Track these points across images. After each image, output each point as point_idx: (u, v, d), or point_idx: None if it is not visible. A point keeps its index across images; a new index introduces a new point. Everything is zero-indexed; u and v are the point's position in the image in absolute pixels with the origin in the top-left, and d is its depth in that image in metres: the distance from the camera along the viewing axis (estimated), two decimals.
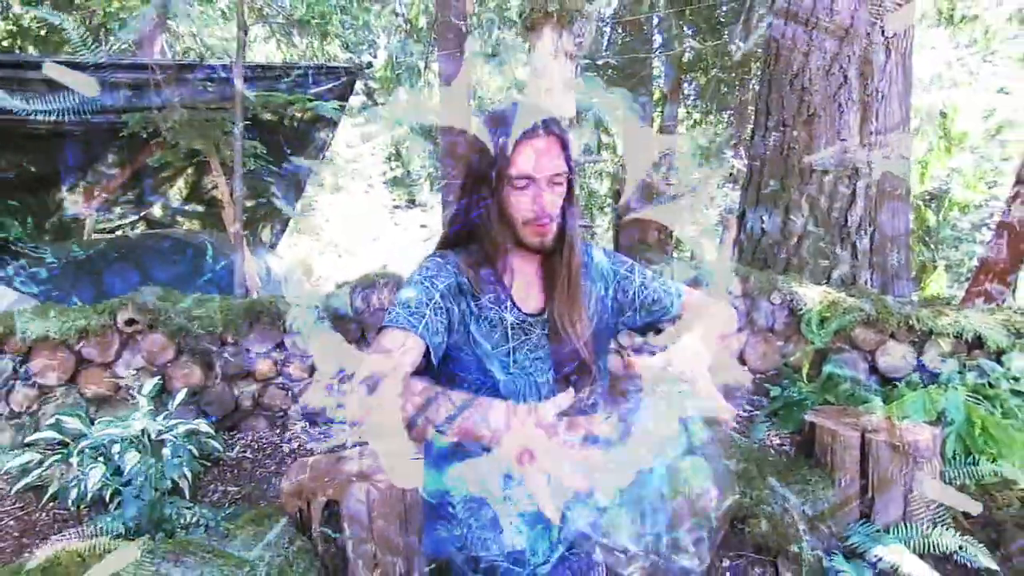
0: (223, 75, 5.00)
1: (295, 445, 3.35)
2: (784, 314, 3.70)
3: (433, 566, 1.39)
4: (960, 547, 2.52)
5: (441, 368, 1.14)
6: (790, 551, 2.64)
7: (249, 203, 7.76)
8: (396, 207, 17.73)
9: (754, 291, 3.68)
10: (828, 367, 3.60)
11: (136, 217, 8.45)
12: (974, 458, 2.87)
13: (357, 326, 3.58)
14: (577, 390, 1.16)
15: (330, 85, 6.30)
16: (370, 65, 7.43)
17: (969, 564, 2.60)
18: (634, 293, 1.26)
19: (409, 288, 1.08)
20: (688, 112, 12.50)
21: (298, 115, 6.28)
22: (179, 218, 8.92)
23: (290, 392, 3.54)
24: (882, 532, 2.63)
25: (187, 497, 2.70)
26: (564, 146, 1.09)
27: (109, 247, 6.10)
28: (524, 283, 1.18)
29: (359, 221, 15.79)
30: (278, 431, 3.48)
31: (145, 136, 5.18)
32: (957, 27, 11.85)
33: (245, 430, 3.48)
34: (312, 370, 3.55)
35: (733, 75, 8.98)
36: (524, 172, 1.05)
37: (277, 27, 9.76)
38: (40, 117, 3.93)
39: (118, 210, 8.08)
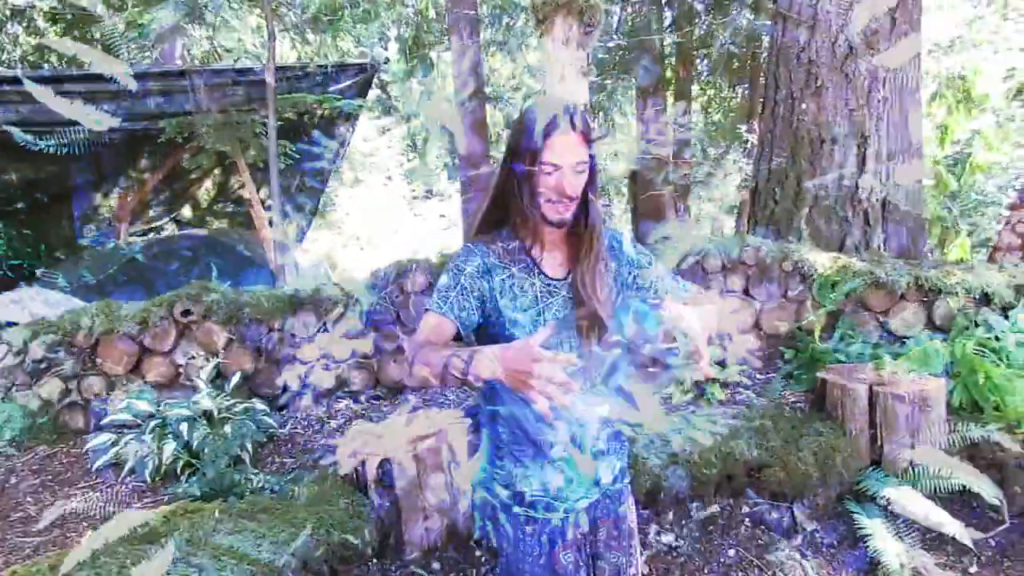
0: (251, 78, 5.25)
1: (341, 420, 3.61)
2: (796, 280, 3.87)
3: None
4: (964, 487, 2.69)
5: (484, 334, 1.39)
6: (805, 497, 2.84)
7: (271, 201, 8.07)
8: (415, 198, 18.00)
9: (767, 259, 3.85)
10: (840, 328, 3.77)
11: (167, 219, 8.81)
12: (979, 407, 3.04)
13: (391, 309, 3.82)
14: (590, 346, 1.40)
15: (350, 82, 6.53)
16: (387, 60, 7.62)
17: (975, 504, 2.79)
18: (650, 281, 1.49)
19: (443, 276, 1.35)
20: (702, 88, 12.53)
21: (319, 112, 6.52)
22: (208, 218, 9.26)
23: (334, 372, 3.80)
24: (891, 476, 2.82)
25: (249, 465, 2.98)
26: (587, 138, 1.30)
27: (144, 251, 6.42)
28: (551, 254, 1.42)
29: (379, 213, 16.09)
30: (324, 408, 3.75)
31: (181, 140, 5.47)
32: None
33: (294, 409, 3.76)
34: (353, 352, 3.81)
35: (744, 49, 9.02)
36: (552, 160, 1.26)
37: (291, 25, 9.98)
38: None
39: (151, 213, 8.43)
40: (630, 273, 1.49)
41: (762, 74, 9.78)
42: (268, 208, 7.58)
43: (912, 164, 5.24)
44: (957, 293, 3.66)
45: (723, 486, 2.89)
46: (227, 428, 3.06)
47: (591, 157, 1.32)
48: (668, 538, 2.76)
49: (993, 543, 2.68)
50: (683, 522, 2.84)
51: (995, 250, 7.65)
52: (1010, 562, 2.62)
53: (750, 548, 2.72)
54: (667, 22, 10.11)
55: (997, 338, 3.43)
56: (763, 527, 2.81)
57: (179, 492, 2.71)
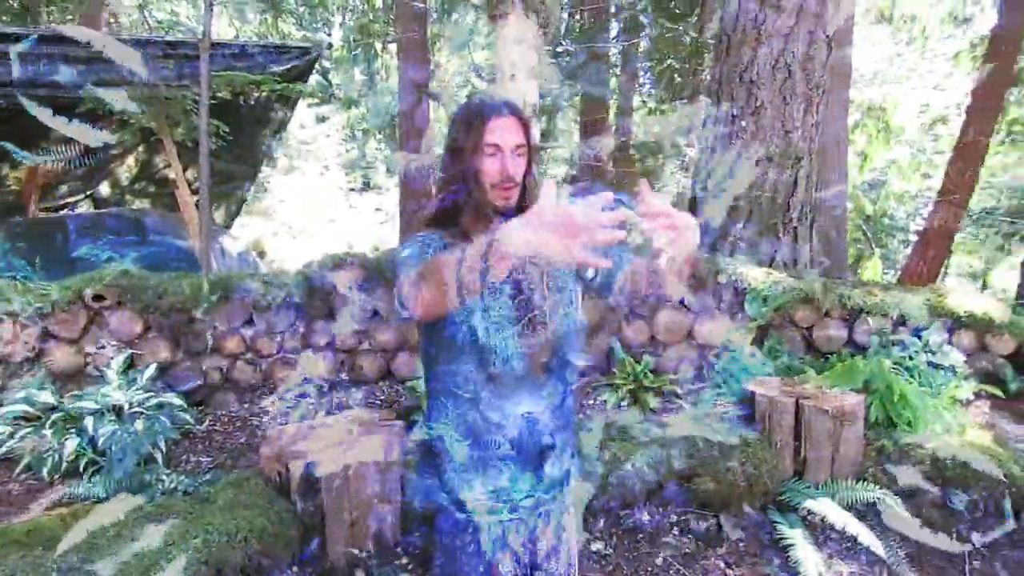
0: (184, 52, 4.95)
1: (265, 419, 3.44)
2: (729, 293, 3.96)
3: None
4: (878, 499, 2.81)
5: (427, 326, 1.36)
6: (731, 507, 2.90)
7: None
8: (351, 189, 17.59)
9: (702, 271, 3.93)
10: (768, 342, 3.89)
11: (83, 196, 8.25)
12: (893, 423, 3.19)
13: (325, 303, 3.68)
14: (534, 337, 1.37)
15: (290, 65, 6.27)
16: (331, 45, 7.38)
17: (887, 514, 2.91)
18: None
19: (407, 248, 1.31)
20: (643, 101, 12.80)
21: (256, 94, 6.23)
22: (128, 197, 8.74)
23: (259, 367, 3.62)
24: (812, 488, 2.91)
25: (161, 465, 2.79)
26: (523, 124, 1.36)
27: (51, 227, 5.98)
28: None
29: (313, 203, 15.64)
30: (247, 405, 3.57)
31: (100, 113, 5.09)
32: (896, 26, 12.43)
33: (213, 405, 3.55)
34: (280, 347, 3.64)
35: (687, 65, 9.25)
36: (493, 141, 1.31)
37: (230, 2, 9.55)
38: None
39: (65, 188, 7.88)
40: (563, 277, 1.45)
41: (703, 92, 10.06)
42: (195, 191, 7.22)
43: (838, 187, 5.48)
44: (876, 313, 3.84)
45: (653, 494, 2.92)
46: (138, 424, 2.85)
47: (528, 143, 1.36)
48: (598, 546, 2.76)
49: (903, 553, 2.81)
50: (612, 530, 2.84)
51: (904, 274, 8.12)
52: (917, 571, 2.76)
53: (677, 556, 2.75)
54: (614, 32, 10.27)
55: (911, 357, 3.61)
56: (690, 535, 2.85)
57: (80, 492, 2.50)
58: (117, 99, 3.48)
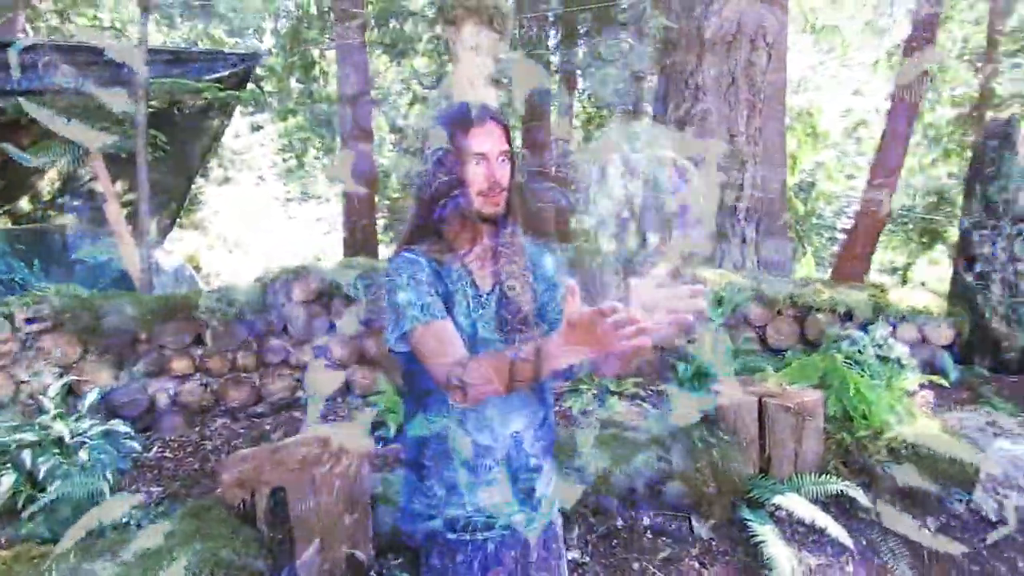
0: (113, 58, 4.68)
1: (218, 442, 3.27)
2: None
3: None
4: (841, 492, 2.90)
5: None
6: (702, 506, 2.93)
7: (131, 196, 7.33)
8: (289, 200, 17.10)
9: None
10: (727, 340, 3.97)
11: None
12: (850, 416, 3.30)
13: (279, 319, 3.54)
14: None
15: (227, 72, 6.05)
16: (269, 52, 7.15)
17: (849, 504, 3.01)
18: (555, 300, 1.46)
19: (401, 292, 1.27)
20: (583, 107, 12.97)
21: (193, 103, 5.98)
22: (51, 212, 8.23)
23: (210, 388, 3.45)
24: (778, 483, 2.98)
25: (109, 497, 2.60)
26: (506, 129, 1.34)
27: None
28: (482, 266, 1.38)
29: (250, 214, 15.16)
30: (198, 428, 3.39)
31: (21, 123, 4.78)
32: (820, 35, 13.05)
33: (162, 429, 3.35)
34: (233, 366, 3.47)
35: (628, 73, 9.41)
36: (479, 150, 1.28)
37: (159, 7, 9.15)
38: None
39: None
40: (545, 291, 1.45)
41: (644, 99, 10.26)
42: (125, 204, 6.85)
43: (780, 190, 5.67)
44: (825, 310, 3.98)
45: (625, 499, 2.92)
46: (82, 454, 2.66)
47: (511, 148, 1.35)
48: (574, 554, 2.73)
49: (864, 541, 2.90)
50: (587, 537, 2.83)
51: (835, 271, 8.49)
52: (880, 558, 2.85)
53: (653, 560, 2.75)
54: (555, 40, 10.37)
55: (860, 351, 3.75)
56: (664, 538, 2.86)
57: (22, 532, 2.30)
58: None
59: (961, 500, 3.03)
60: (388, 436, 3.08)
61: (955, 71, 13.03)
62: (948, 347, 4.04)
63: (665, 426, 3.12)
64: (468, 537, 1.35)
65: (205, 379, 3.49)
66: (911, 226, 13.38)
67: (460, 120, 1.30)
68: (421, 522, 1.38)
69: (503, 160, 1.32)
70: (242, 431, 3.43)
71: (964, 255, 4.13)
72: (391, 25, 12.18)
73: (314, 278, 3.57)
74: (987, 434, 3.21)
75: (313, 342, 3.63)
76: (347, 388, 3.75)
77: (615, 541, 2.84)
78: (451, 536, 1.35)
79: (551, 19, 10.20)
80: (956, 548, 2.84)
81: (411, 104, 12.85)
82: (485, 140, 1.29)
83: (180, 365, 3.38)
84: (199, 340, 3.47)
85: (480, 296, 1.35)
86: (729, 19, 4.84)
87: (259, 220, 15.27)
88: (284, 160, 17.06)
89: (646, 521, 2.91)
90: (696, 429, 3.16)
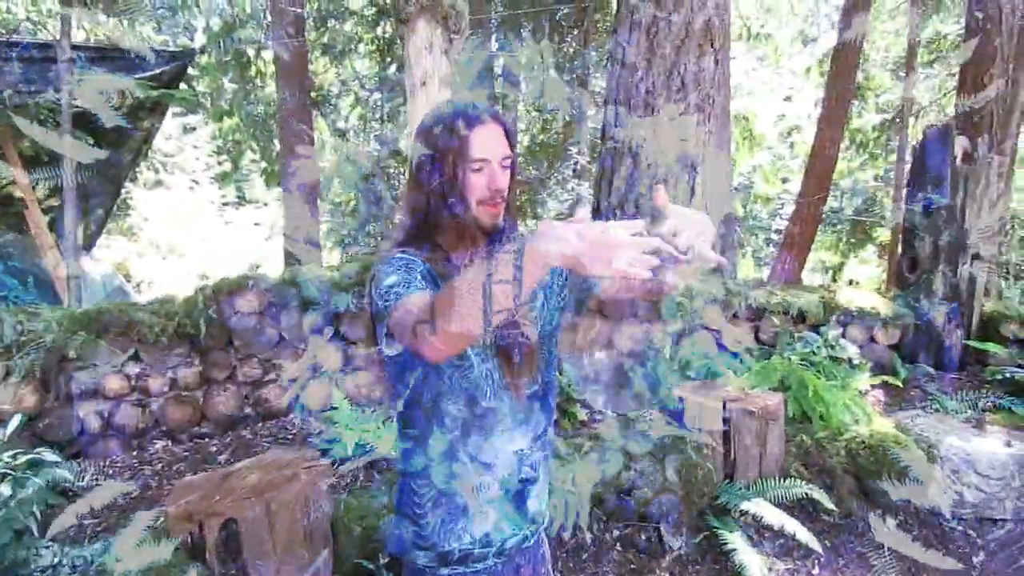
0: (31, 55, 4.34)
1: (159, 467, 3.04)
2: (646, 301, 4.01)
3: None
4: (805, 494, 2.91)
5: (400, 360, 1.17)
6: (670, 516, 2.90)
7: (55, 202, 6.86)
8: (225, 204, 16.44)
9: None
10: (684, 345, 3.96)
11: None
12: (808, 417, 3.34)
13: (223, 332, 3.32)
14: (522, 373, 1.24)
15: (159, 70, 5.71)
16: (203, 51, 6.80)
17: (812, 508, 3.03)
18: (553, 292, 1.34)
19: (391, 275, 1.10)
20: (527, 110, 12.96)
21: (122, 102, 5.62)
22: None
23: (147, 409, 3.20)
24: (744, 489, 2.97)
25: (38, 536, 2.35)
26: (507, 132, 1.20)
27: None
28: None
29: (184, 219, 14.52)
30: (135, 453, 3.14)
31: None
32: (754, 42, 13.48)
33: (95, 455, 3.09)
34: (173, 384, 3.24)
35: (573, 76, 9.45)
36: (480, 156, 1.15)
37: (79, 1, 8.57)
38: None
39: None
40: (560, 280, 1.33)
41: (591, 101, 10.32)
42: (47, 209, 6.39)
43: (727, 192, 5.75)
44: (779, 312, 4.03)
45: (593, 510, 2.86)
46: (4, 488, 2.40)
47: (513, 152, 1.22)
48: None
49: (828, 544, 2.93)
50: (556, 552, 2.75)
51: (772, 272, 8.73)
52: (843, 560, 2.88)
53: (624, 572, 2.70)
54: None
55: (814, 352, 3.81)
56: (634, 550, 2.81)
57: None
58: None
59: (919, 498, 3.10)
60: (346, 455, 2.92)
61: (880, 79, 13.69)
62: (895, 346, 4.15)
63: (631, 434, 3.08)
64: (461, 569, 1.25)
65: (142, 399, 3.24)
66: (841, 227, 13.94)
67: (457, 121, 1.16)
68: (410, 554, 1.27)
69: (504, 165, 1.19)
70: (185, 454, 3.20)
71: (907, 256, 4.27)
72: (330, 24, 11.87)
73: (262, 289, 3.37)
74: (938, 431, 3.30)
75: (261, 355, 3.43)
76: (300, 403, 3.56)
77: (585, 556, 2.77)
78: (444, 572, 1.25)
79: (494, 22, 10.14)
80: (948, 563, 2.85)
81: (353, 107, 12.54)
82: (486, 144, 1.16)
83: (114, 385, 3.12)
84: (135, 356, 3.22)
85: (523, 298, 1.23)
86: (678, 23, 4.87)
87: (193, 226, 14.64)
88: (219, 163, 16.40)
89: (616, 533, 2.86)
90: (662, 436, 3.13)
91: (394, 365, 1.21)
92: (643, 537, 2.86)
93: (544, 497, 1.35)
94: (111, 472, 2.98)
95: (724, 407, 3.05)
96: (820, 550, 2.70)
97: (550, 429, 1.35)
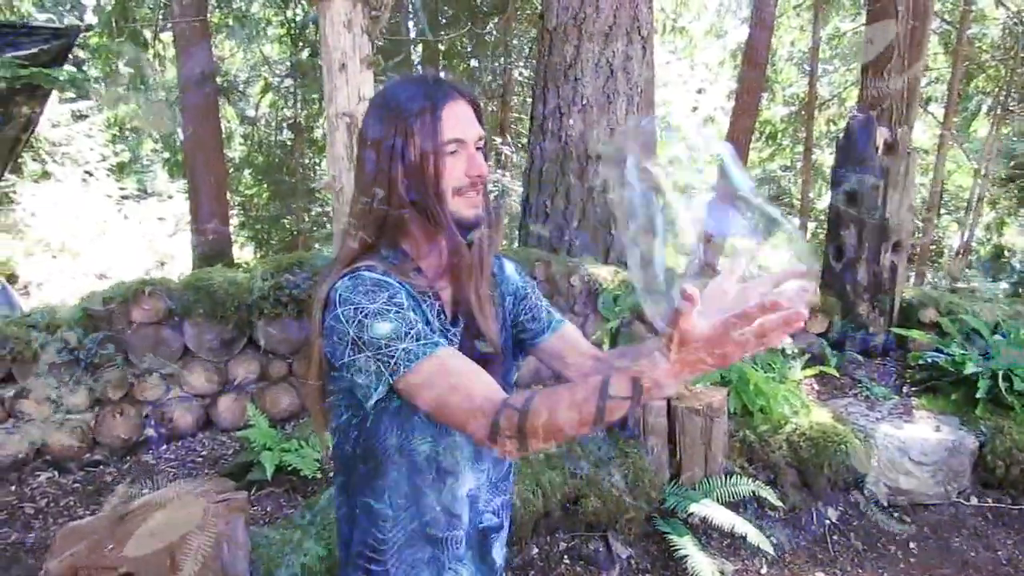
0: None
1: (43, 503, 2.64)
2: (583, 295, 3.88)
3: None
4: (752, 492, 2.86)
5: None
6: (618, 523, 2.77)
7: None
8: (124, 197, 15.24)
9: (556, 275, 3.79)
10: (621, 342, 3.86)
11: None
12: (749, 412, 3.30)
13: (117, 345, 2.93)
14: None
15: (37, 48, 5.09)
16: (89, 28, 6.11)
17: (758, 504, 2.99)
18: (527, 306, 1.19)
19: (379, 323, 0.90)
20: None
21: None
22: None
23: (27, 436, 2.78)
24: (691, 490, 2.88)
25: None
26: (477, 108, 1.04)
27: None
28: (445, 289, 1.06)
29: (77, 215, 13.34)
30: (13, 488, 2.71)
31: None
32: (670, 35, 13.74)
33: None
34: (58, 407, 2.82)
35: (495, 64, 9.24)
36: (455, 136, 0.98)
37: None
38: None
39: None
40: (515, 305, 1.17)
41: (514, 91, 10.15)
42: None
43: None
44: None
45: (540, 524, 2.69)
46: None
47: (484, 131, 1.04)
48: None
49: (775, 540, 2.89)
50: (504, 574, 2.56)
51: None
52: (791, 556, 2.85)
53: None
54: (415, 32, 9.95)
55: None
56: (582, 562, 2.67)
57: None
58: None
59: (858, 488, 3.12)
60: (265, 478, 2.62)
61: (787, 73, 14.25)
62: (823, 334, 4.21)
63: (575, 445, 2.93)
64: None
65: (20, 425, 2.81)
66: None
67: (422, 98, 0.97)
68: None
69: (480, 147, 1.02)
70: (75, 486, 2.80)
71: (833, 243, 4.33)
72: (235, 5, 11.14)
73: (159, 295, 2.99)
74: (871, 419, 3.34)
75: (163, 370, 3.06)
76: (208, 422, 3.21)
77: (531, 571, 2.60)
78: None
79: (412, 6, 9.77)
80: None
81: (263, 93, 11.84)
82: (459, 124, 0.98)
83: None
84: (11, 377, 2.79)
85: (447, 330, 1.03)
86: (605, 9, 4.76)
87: (88, 221, 13.47)
88: (116, 153, 15.19)
89: (562, 546, 2.71)
90: (606, 439, 3.00)
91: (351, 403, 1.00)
92: (591, 547, 2.72)
93: (505, 544, 1.21)
94: None
95: (668, 405, 2.96)
96: (771, 550, 2.64)
97: (512, 468, 1.20)
